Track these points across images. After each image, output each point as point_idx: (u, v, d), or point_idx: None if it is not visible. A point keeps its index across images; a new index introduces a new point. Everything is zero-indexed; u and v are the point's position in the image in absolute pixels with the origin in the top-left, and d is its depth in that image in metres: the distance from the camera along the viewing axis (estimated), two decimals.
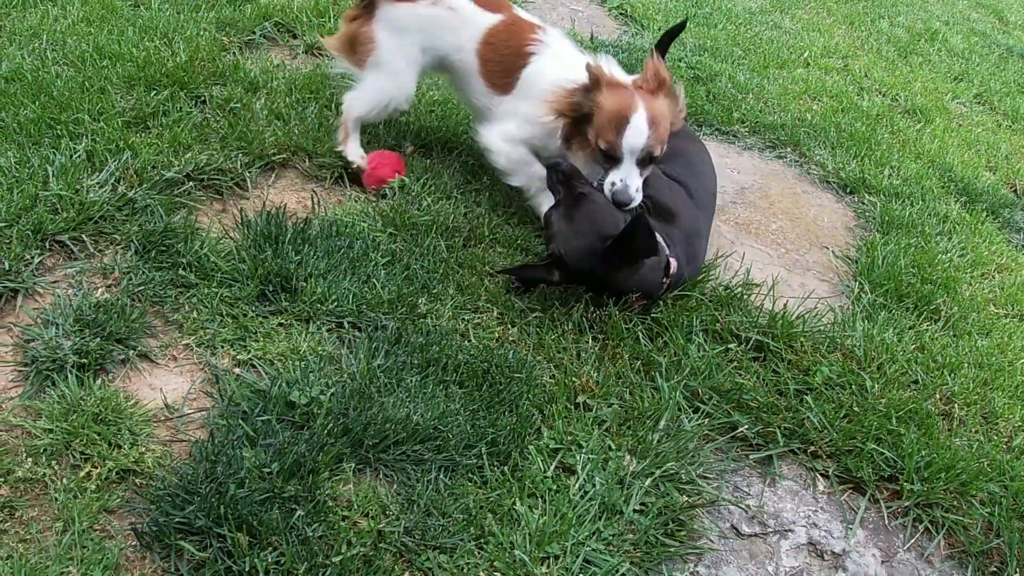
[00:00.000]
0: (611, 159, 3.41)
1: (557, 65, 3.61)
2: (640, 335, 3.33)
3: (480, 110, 3.92)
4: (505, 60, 3.73)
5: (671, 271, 3.38)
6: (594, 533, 2.59)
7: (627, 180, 3.39)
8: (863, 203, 4.84)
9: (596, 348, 3.24)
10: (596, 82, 3.40)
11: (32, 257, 3.05)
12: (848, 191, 4.92)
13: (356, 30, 3.87)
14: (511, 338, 3.20)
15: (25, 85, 3.93)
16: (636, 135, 3.33)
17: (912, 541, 2.90)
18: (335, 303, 3.10)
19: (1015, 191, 5.64)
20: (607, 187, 3.41)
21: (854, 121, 5.67)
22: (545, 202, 3.70)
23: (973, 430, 3.34)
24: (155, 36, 4.57)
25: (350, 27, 3.90)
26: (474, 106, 3.98)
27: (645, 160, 3.40)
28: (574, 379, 3.05)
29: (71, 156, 3.52)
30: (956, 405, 3.42)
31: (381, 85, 3.84)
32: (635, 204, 3.40)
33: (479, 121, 3.95)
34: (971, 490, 3.01)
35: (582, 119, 3.46)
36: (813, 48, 6.95)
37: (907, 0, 9.48)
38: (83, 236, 3.20)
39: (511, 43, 3.72)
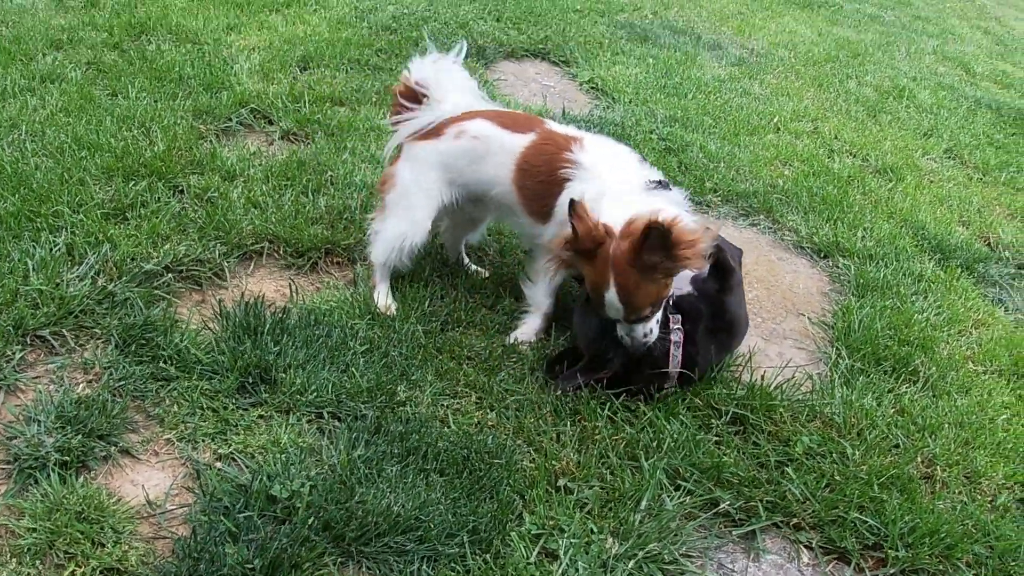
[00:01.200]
0: None
1: (591, 192, 3.35)
2: (619, 415, 3.35)
3: (530, 240, 3.76)
4: (540, 187, 3.49)
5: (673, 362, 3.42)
6: None
7: (631, 334, 3.32)
8: (837, 267, 4.87)
9: (576, 430, 3.25)
10: (578, 241, 3.20)
11: (13, 353, 3.08)
12: (822, 255, 4.97)
13: (386, 170, 3.80)
14: (490, 423, 3.21)
15: (4, 177, 3.99)
16: (614, 311, 3.27)
17: None
18: (314, 393, 3.12)
19: (989, 244, 5.69)
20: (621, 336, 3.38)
21: (826, 184, 5.73)
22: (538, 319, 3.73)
23: (956, 491, 3.36)
24: (133, 125, 4.65)
25: (386, 169, 3.84)
26: (525, 237, 3.83)
27: (639, 319, 3.29)
28: (554, 462, 3.06)
29: (51, 250, 3.56)
30: (938, 467, 3.44)
31: (393, 225, 3.66)
32: (650, 343, 3.35)
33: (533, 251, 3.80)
34: (956, 553, 3.02)
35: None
36: (783, 113, 7.03)
37: (874, 58, 9.62)
38: (63, 331, 3.23)
39: (545, 167, 3.47)
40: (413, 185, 3.64)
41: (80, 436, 2.80)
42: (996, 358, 4.30)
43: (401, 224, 3.64)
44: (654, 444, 3.22)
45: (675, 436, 3.25)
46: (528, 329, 3.71)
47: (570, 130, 3.60)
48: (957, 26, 14.02)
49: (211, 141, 4.73)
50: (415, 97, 3.72)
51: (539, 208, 3.52)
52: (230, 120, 4.99)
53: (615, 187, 3.37)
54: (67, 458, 2.73)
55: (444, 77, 3.75)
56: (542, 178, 3.47)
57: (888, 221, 5.48)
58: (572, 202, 3.17)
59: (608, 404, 3.37)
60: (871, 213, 5.53)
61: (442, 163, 3.61)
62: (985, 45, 13.02)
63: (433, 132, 3.63)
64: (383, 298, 3.71)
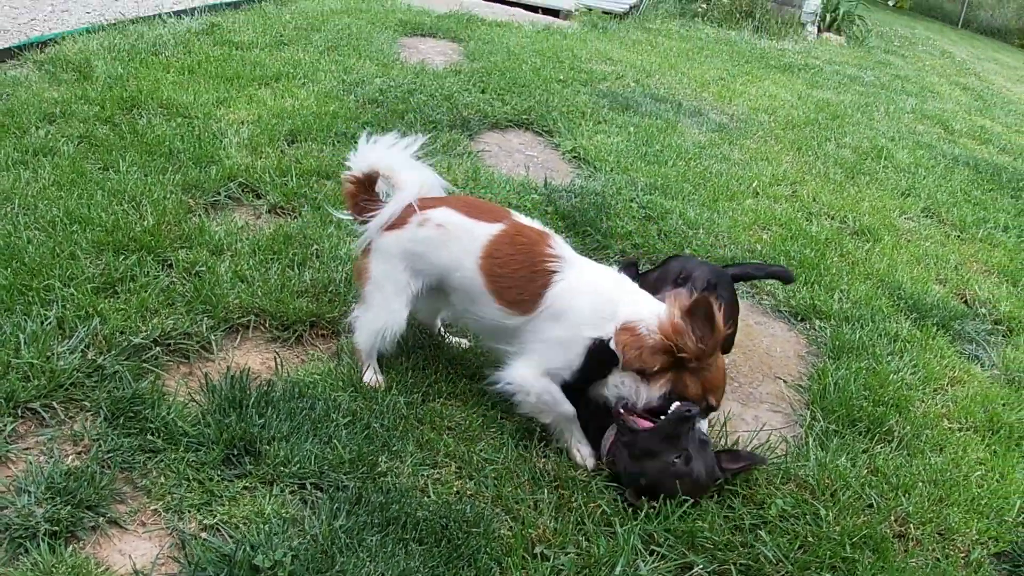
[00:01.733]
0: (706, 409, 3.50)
1: (588, 287, 3.43)
2: (595, 482, 3.41)
3: (492, 332, 3.67)
4: (518, 277, 3.45)
5: None
6: None
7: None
8: (814, 329, 4.96)
9: (553, 498, 3.30)
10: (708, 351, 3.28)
11: (5, 425, 3.15)
12: (799, 318, 5.06)
13: (358, 263, 3.79)
14: (469, 492, 3.26)
15: None
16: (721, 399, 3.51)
17: None
18: (298, 465, 3.18)
19: (965, 301, 5.79)
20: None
21: (803, 248, 5.83)
22: (573, 436, 3.58)
23: (930, 548, 3.42)
24: (123, 199, 4.71)
25: (358, 262, 3.82)
26: (485, 328, 3.71)
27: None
28: (531, 529, 3.12)
29: (42, 323, 3.62)
30: (911, 525, 3.50)
31: (371, 316, 3.67)
32: None
33: (490, 343, 3.78)
34: None
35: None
36: (761, 177, 7.14)
37: (853, 120, 9.80)
38: (54, 403, 3.30)
39: (523, 258, 3.46)
40: (383, 278, 3.64)
41: (69, 507, 2.85)
42: (971, 415, 4.37)
43: (380, 316, 3.64)
44: (629, 511, 3.29)
45: (650, 503, 3.30)
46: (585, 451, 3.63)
47: (536, 223, 3.63)
48: (936, 84, 14.29)
49: (200, 215, 4.79)
50: (369, 186, 3.74)
51: (516, 297, 3.46)
52: (219, 194, 5.06)
53: (616, 283, 3.49)
54: (57, 528, 2.79)
55: (395, 157, 3.70)
56: (519, 268, 3.45)
57: (865, 282, 5.58)
58: (703, 300, 3.19)
59: (584, 472, 3.45)
60: (848, 275, 5.63)
61: (407, 252, 3.60)
62: (964, 101, 13.25)
63: (398, 222, 3.60)
64: (370, 375, 3.76)
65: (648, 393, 3.35)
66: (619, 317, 3.34)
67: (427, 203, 3.61)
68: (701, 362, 3.28)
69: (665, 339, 3.23)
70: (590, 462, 3.55)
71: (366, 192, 3.74)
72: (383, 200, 3.72)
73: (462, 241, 3.52)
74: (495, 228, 3.51)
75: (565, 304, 3.39)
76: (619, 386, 3.42)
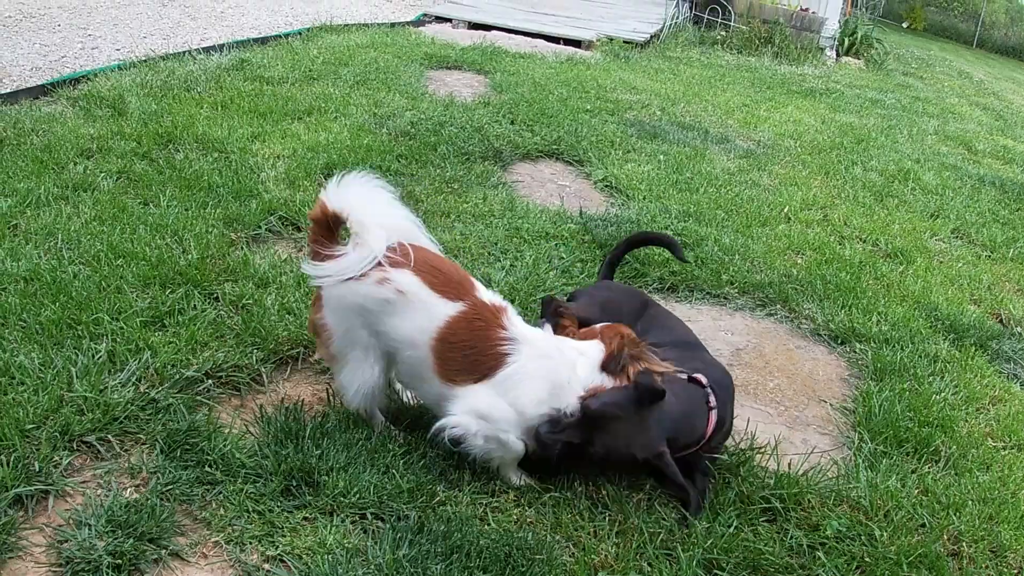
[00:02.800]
0: None
1: (544, 364, 3.33)
2: (657, 506, 3.42)
3: (435, 401, 3.47)
4: (469, 360, 3.29)
5: None
6: None
7: None
8: (855, 352, 4.95)
9: (613, 524, 3.29)
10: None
11: (61, 459, 3.15)
12: (839, 342, 5.04)
13: (313, 317, 3.52)
14: (529, 519, 3.26)
15: (44, 285, 4.09)
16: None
17: None
18: (357, 495, 3.18)
19: (1001, 321, 5.76)
20: None
21: (838, 271, 5.83)
22: (513, 473, 3.48)
23: (983, 566, 3.40)
24: (166, 234, 4.74)
25: (312, 316, 3.54)
26: (428, 397, 3.55)
27: None
28: (593, 556, 3.11)
29: (93, 357, 3.65)
30: (964, 543, 3.48)
31: (348, 377, 3.44)
32: None
33: (433, 409, 3.57)
34: None
35: None
36: (792, 202, 7.14)
37: (878, 143, 9.80)
38: (109, 436, 3.31)
39: (476, 343, 3.29)
40: (345, 336, 3.40)
41: (131, 540, 2.86)
42: (1015, 433, 4.35)
43: (355, 376, 3.42)
44: (689, 536, 3.28)
45: (709, 528, 3.30)
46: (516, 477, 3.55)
47: (496, 299, 3.41)
48: (956, 104, 14.28)
49: (243, 248, 4.82)
50: (328, 227, 3.43)
51: (463, 377, 3.29)
52: (259, 227, 5.10)
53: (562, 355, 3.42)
54: (120, 561, 2.79)
55: (367, 209, 3.38)
56: (473, 352, 3.29)
57: (901, 304, 5.57)
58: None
59: (643, 498, 3.45)
60: (884, 297, 5.62)
61: (361, 308, 3.33)
62: (985, 122, 13.23)
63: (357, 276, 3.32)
64: (379, 426, 3.62)
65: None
66: (582, 384, 3.36)
67: (392, 258, 3.30)
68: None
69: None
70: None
71: (325, 233, 3.43)
72: (341, 245, 3.42)
73: (418, 317, 3.29)
74: (455, 308, 3.29)
75: (519, 382, 3.28)
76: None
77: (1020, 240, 7.31)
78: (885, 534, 3.42)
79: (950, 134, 11.32)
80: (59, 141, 5.88)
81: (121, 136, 6.10)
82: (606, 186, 6.87)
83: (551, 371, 3.32)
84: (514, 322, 3.37)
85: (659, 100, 9.76)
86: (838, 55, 16.72)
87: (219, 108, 7.01)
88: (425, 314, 3.27)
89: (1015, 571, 3.41)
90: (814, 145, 9.13)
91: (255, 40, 9.89)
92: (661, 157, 7.64)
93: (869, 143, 9.68)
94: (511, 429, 3.30)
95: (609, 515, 3.34)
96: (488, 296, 3.40)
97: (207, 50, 9.00)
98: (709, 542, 3.23)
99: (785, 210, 6.93)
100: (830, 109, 11.23)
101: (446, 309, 3.28)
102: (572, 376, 3.34)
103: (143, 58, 8.44)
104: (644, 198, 6.55)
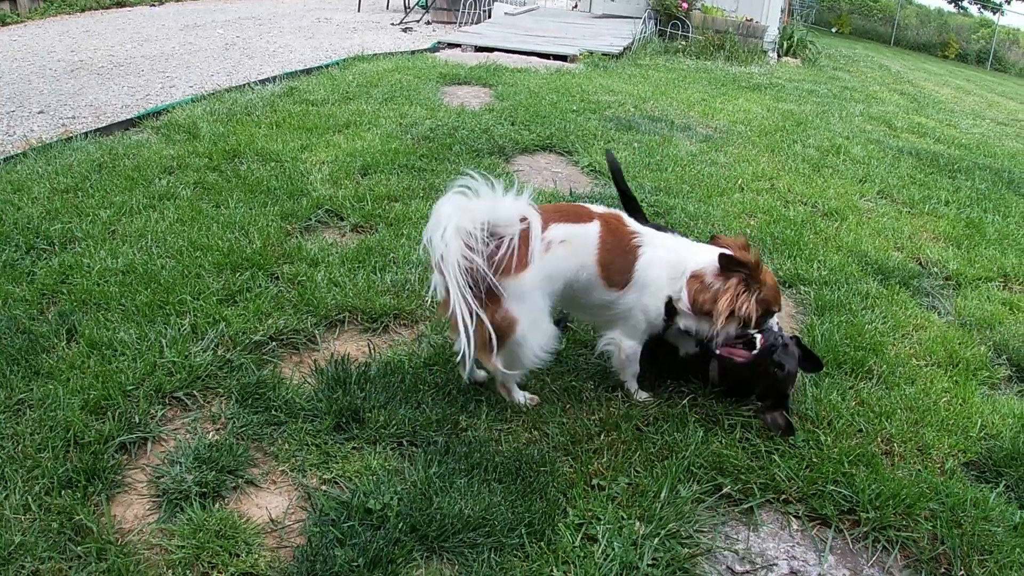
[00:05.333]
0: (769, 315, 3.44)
1: (667, 254, 3.33)
2: (639, 426, 3.39)
3: (597, 312, 3.44)
4: (618, 260, 3.27)
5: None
6: None
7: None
8: (800, 293, 4.89)
9: (607, 442, 3.27)
10: (757, 265, 3.27)
11: (156, 411, 3.19)
12: (787, 286, 4.97)
13: (496, 316, 3.08)
14: (535, 440, 3.24)
15: (137, 276, 4.13)
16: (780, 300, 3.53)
17: (874, 559, 2.90)
18: (395, 427, 3.18)
19: (920, 263, 5.68)
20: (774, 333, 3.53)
21: (784, 229, 5.76)
22: (632, 384, 3.57)
23: (911, 462, 3.36)
24: (235, 229, 4.76)
25: (493, 315, 3.08)
26: (589, 307, 3.43)
27: None
28: (588, 466, 3.10)
29: (179, 330, 3.67)
30: (895, 444, 3.45)
31: (533, 344, 3.20)
32: None
33: (587, 318, 3.70)
34: (916, 510, 3.03)
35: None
36: (744, 176, 7.06)
37: (814, 124, 9.67)
38: (194, 391, 3.33)
39: (619, 242, 3.27)
40: (533, 318, 3.16)
41: (214, 472, 2.88)
42: (934, 353, 4.30)
43: (536, 339, 3.19)
44: (669, 449, 3.26)
45: (687, 442, 3.28)
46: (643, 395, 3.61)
47: (598, 207, 3.40)
48: (878, 92, 14.15)
49: (297, 237, 4.83)
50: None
51: (618, 277, 3.29)
52: (310, 219, 5.09)
53: (673, 240, 3.43)
54: (205, 490, 2.82)
55: (502, 210, 3.11)
56: (619, 251, 3.27)
57: (837, 253, 5.50)
58: (724, 256, 3.25)
59: (631, 422, 3.41)
60: (823, 248, 5.55)
61: (545, 279, 3.15)
62: (902, 104, 13.10)
63: (518, 260, 3.07)
64: (521, 397, 3.46)
65: (728, 329, 3.33)
66: (687, 269, 3.31)
67: (526, 229, 3.11)
68: (758, 279, 3.29)
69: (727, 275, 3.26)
70: (644, 397, 3.58)
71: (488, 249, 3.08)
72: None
73: (583, 246, 3.22)
74: (595, 226, 3.26)
75: (647, 274, 3.29)
76: (690, 328, 3.38)
77: (934, 197, 7.20)
78: (829, 439, 3.38)
79: (873, 115, 11.19)
80: (146, 162, 5.90)
81: (195, 155, 6.10)
82: (591, 171, 6.80)
83: (670, 261, 3.33)
84: (630, 222, 3.38)
85: (632, 99, 9.64)
86: (779, 56, 16.49)
87: (274, 127, 6.99)
88: (583, 242, 3.23)
89: (938, 465, 3.37)
90: (761, 129, 9.02)
91: (302, 71, 9.83)
92: (635, 145, 7.56)
93: (807, 125, 9.55)
94: (638, 340, 3.44)
95: (605, 433, 3.32)
96: (601, 209, 3.39)
97: (263, 82, 8.98)
98: (689, 450, 3.21)
99: (739, 182, 6.85)
100: (774, 100, 11.09)
101: (592, 229, 3.25)
102: (683, 266, 3.32)
103: (211, 92, 8.47)
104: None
